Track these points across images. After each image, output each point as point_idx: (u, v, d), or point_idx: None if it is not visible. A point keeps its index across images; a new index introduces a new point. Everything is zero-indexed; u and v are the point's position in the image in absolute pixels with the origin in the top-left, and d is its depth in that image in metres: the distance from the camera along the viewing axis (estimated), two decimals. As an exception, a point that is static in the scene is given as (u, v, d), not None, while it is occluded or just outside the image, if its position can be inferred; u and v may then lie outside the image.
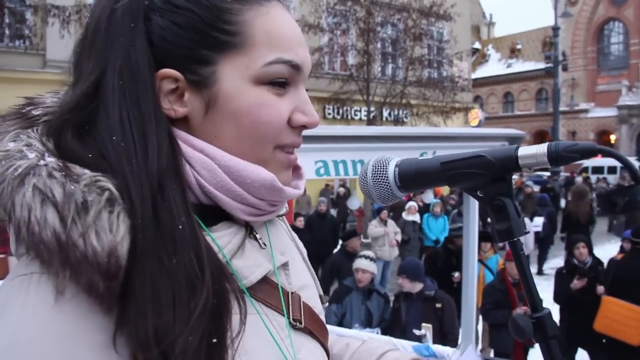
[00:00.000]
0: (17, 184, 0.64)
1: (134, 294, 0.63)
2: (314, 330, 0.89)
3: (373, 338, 3.27)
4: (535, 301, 0.77)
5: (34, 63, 15.08)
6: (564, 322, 6.37)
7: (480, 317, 6.61)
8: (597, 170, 30.42)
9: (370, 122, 17.87)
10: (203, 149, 0.76)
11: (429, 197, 12.48)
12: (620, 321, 5.46)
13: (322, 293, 1.01)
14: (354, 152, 3.31)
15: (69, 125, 0.71)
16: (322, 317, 0.95)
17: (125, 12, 0.74)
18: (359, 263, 5.93)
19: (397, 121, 19.84)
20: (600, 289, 6.18)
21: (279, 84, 0.78)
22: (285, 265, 0.89)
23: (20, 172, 0.65)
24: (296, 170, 0.90)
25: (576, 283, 6.12)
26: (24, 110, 0.76)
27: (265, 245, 0.86)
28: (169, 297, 0.64)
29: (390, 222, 10.62)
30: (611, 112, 41.56)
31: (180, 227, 0.67)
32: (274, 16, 0.79)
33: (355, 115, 21.12)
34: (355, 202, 15.64)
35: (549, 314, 0.77)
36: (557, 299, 6.49)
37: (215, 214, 0.79)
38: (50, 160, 0.67)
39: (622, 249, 7.54)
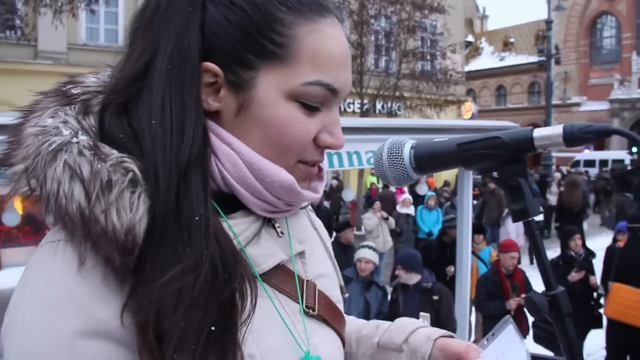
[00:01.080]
0: (50, 158, 0.69)
1: (144, 275, 0.67)
2: (329, 318, 0.91)
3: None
4: (549, 280, 0.79)
5: (26, 54, 14.98)
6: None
7: (474, 309, 6.66)
8: (589, 163, 30.61)
9: (364, 114, 17.86)
10: (231, 143, 0.78)
11: (423, 189, 12.49)
12: (629, 306, 5.61)
13: (342, 283, 1.03)
14: (347, 143, 3.30)
15: (114, 103, 0.75)
16: (340, 306, 0.97)
17: None
18: (364, 253, 5.93)
19: (391, 114, 19.81)
20: (593, 279, 6.29)
21: (311, 107, 0.79)
22: (301, 254, 0.91)
23: (54, 148, 0.69)
24: (319, 171, 0.91)
25: (574, 275, 6.16)
26: (64, 88, 0.79)
27: (282, 233, 0.88)
28: (176, 284, 0.66)
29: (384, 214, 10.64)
30: (603, 105, 41.69)
31: (197, 218, 0.70)
32: (326, 35, 0.79)
33: (349, 107, 21.09)
34: (350, 193, 15.66)
35: (564, 292, 0.78)
36: None
37: (235, 202, 0.81)
38: (83, 138, 0.71)
39: (614, 241, 7.63)
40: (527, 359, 1.07)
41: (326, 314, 0.90)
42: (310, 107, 0.79)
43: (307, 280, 0.89)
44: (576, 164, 31.51)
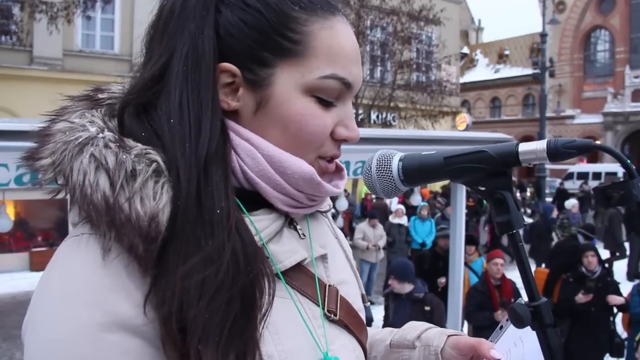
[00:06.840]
0: (76, 152, 0.71)
1: (167, 267, 0.68)
2: (350, 324, 0.91)
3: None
4: (532, 291, 0.80)
5: (21, 59, 14.95)
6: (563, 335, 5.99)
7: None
8: (582, 176, 30.70)
9: (358, 124, 17.60)
10: (249, 139, 0.80)
11: (416, 199, 12.51)
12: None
13: (364, 292, 1.03)
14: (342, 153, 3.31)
15: (131, 104, 0.77)
16: (362, 315, 0.97)
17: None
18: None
19: (385, 124, 19.88)
20: (615, 299, 5.87)
21: (327, 101, 0.81)
22: (324, 258, 0.92)
23: (81, 142, 0.72)
24: (339, 171, 0.93)
25: (581, 297, 5.83)
26: (91, 93, 0.83)
27: (304, 235, 0.89)
28: (199, 275, 0.67)
29: (378, 226, 10.63)
30: (597, 118, 41.85)
31: (219, 211, 0.71)
32: (337, 31, 0.81)
33: (344, 117, 21.12)
34: (344, 203, 15.66)
35: (546, 303, 0.79)
36: (556, 306, 6.02)
37: (257, 200, 0.83)
38: (108, 134, 0.73)
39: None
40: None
41: (348, 320, 0.90)
42: (326, 102, 0.81)
43: (330, 285, 0.90)
44: (569, 176, 31.59)
